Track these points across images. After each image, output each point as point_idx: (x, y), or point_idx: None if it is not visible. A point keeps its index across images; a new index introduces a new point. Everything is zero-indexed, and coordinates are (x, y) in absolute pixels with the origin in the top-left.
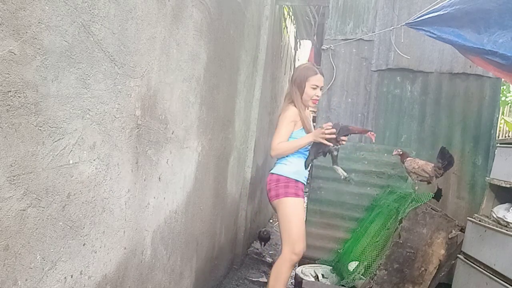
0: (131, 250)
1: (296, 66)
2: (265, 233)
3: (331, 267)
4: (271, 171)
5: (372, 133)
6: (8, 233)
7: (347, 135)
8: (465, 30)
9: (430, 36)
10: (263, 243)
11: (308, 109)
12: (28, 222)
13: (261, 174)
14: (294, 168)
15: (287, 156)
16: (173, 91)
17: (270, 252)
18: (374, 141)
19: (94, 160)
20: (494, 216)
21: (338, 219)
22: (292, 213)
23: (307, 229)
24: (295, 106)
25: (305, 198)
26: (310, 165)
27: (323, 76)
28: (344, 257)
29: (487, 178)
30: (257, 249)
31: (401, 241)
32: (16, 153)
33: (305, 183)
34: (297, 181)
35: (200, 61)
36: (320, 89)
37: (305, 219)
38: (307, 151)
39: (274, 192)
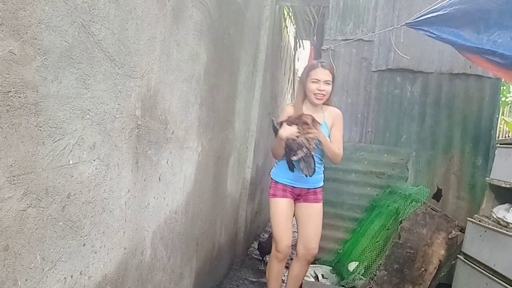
0: (131, 251)
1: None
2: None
3: (331, 268)
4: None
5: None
6: (8, 233)
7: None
8: (465, 30)
9: (430, 36)
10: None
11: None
12: (28, 222)
13: (261, 174)
14: (277, 170)
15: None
16: (173, 91)
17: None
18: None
19: (94, 160)
20: (494, 216)
21: (338, 219)
22: (271, 213)
23: None
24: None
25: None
26: (293, 167)
27: (326, 69)
28: (344, 257)
29: (487, 178)
30: (257, 249)
31: (401, 242)
32: (16, 153)
33: (293, 186)
34: (276, 182)
35: (200, 61)
36: (327, 84)
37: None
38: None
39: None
